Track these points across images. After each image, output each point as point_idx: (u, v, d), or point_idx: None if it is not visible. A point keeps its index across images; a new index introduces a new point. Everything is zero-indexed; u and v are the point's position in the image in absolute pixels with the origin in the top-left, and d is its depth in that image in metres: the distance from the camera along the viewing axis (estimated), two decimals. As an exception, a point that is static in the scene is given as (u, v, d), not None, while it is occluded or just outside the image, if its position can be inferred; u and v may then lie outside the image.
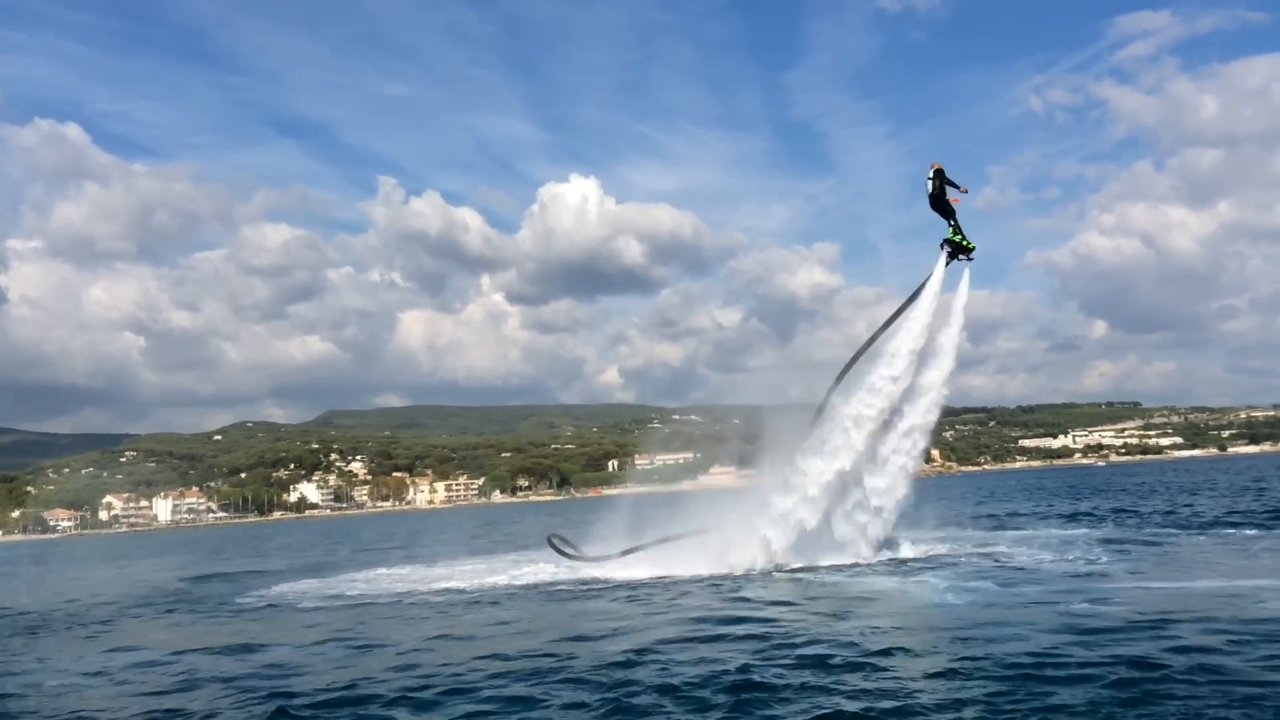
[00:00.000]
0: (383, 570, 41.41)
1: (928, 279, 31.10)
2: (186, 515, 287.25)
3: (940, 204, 30.32)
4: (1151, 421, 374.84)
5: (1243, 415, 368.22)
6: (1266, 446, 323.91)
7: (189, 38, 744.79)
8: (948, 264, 30.99)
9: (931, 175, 30.42)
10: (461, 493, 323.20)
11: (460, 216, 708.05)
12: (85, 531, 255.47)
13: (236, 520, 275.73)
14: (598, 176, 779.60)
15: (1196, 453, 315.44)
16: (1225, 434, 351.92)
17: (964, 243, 30.56)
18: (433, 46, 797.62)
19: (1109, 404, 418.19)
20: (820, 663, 15.69)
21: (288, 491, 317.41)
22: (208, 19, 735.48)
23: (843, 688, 14.01)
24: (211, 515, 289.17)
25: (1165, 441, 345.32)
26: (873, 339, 31.66)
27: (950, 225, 30.48)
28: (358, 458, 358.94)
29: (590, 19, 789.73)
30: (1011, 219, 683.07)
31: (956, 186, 30.49)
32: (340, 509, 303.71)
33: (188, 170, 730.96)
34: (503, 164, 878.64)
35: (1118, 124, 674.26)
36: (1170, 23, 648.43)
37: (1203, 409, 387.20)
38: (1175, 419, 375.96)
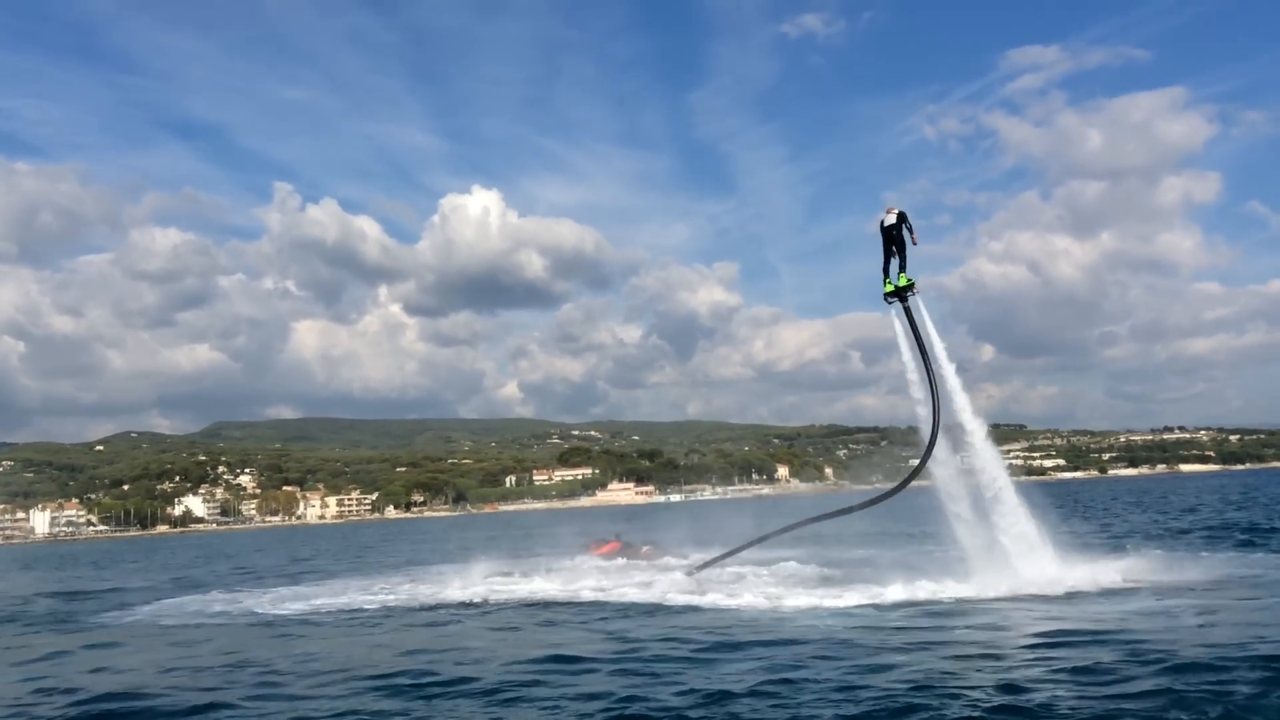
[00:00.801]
0: (259, 590, 40.05)
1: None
2: (65, 528, 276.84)
3: (893, 237, 28.92)
4: (1036, 443, 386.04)
5: (1122, 439, 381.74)
6: (1144, 469, 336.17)
7: (79, 34, 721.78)
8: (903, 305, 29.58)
9: (896, 211, 29.03)
10: (354, 508, 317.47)
11: (358, 225, 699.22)
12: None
13: (118, 534, 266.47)
14: (500, 189, 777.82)
15: (1078, 474, 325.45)
16: (1106, 456, 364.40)
17: (903, 283, 29.27)
18: (333, 52, 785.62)
19: (995, 425, 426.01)
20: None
21: (172, 505, 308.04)
22: (99, 16, 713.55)
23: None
24: (91, 528, 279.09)
25: (1049, 463, 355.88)
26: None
27: (897, 263, 29.21)
28: (246, 470, 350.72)
29: (495, 32, 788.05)
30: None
31: (911, 231, 29.16)
32: (227, 524, 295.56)
33: (74, 170, 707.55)
34: (403, 174, 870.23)
35: (1007, 154, 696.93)
36: (1059, 57, 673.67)
37: (1085, 432, 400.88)
38: (1059, 441, 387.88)
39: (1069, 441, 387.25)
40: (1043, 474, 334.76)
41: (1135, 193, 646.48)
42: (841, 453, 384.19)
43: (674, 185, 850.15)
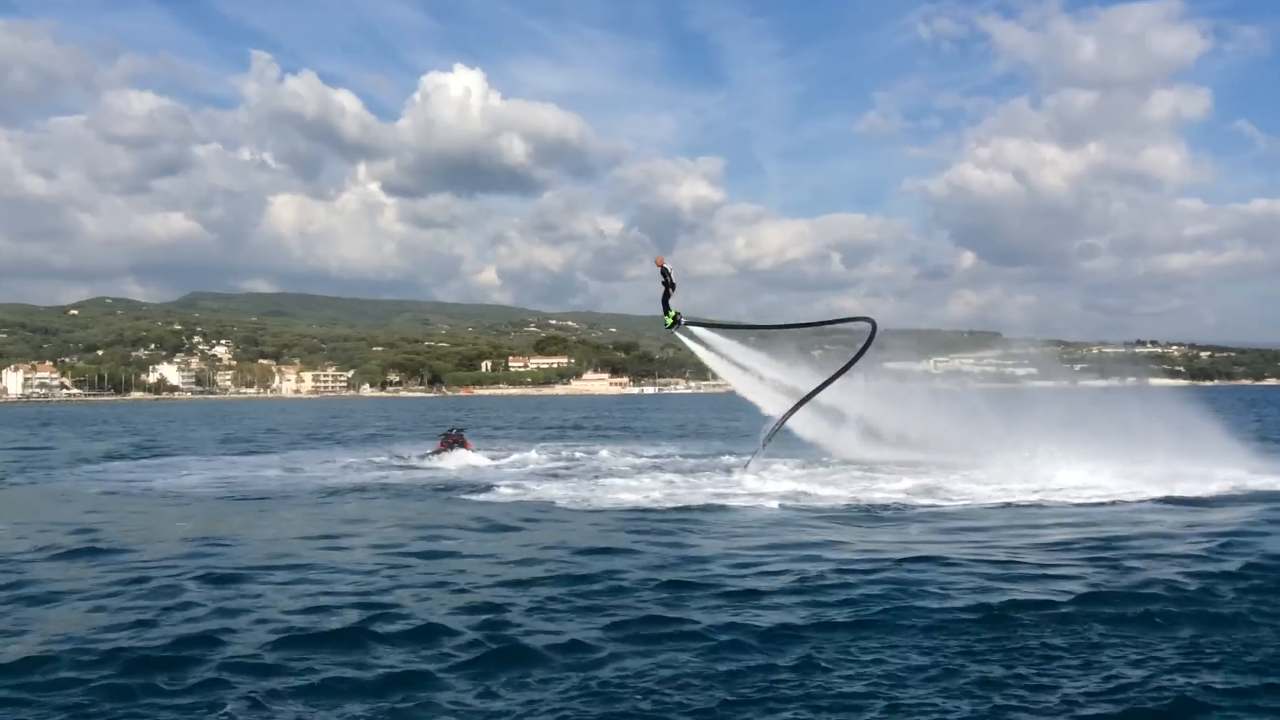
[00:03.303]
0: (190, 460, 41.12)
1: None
2: (38, 390, 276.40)
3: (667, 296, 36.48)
4: (1010, 352, 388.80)
5: (1095, 351, 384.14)
6: (1114, 381, 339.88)
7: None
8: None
9: (669, 269, 36.34)
10: (330, 384, 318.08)
11: (337, 100, 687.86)
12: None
13: (91, 398, 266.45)
14: (484, 69, 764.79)
15: (1049, 384, 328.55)
16: (1077, 368, 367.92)
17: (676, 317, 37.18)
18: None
19: (971, 332, 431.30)
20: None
21: (147, 372, 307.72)
22: None
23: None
24: (65, 391, 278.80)
25: (1021, 371, 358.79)
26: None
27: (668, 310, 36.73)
28: (222, 342, 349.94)
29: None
30: (892, 145, 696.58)
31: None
32: (202, 393, 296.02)
33: (47, 28, 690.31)
34: (385, 48, 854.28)
35: (1000, 59, 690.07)
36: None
37: (1059, 342, 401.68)
38: (1032, 350, 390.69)
39: (1043, 351, 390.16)
40: (1014, 382, 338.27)
41: (1125, 105, 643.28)
42: (816, 353, 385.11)
43: (662, 75, 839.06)
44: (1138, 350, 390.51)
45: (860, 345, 37.40)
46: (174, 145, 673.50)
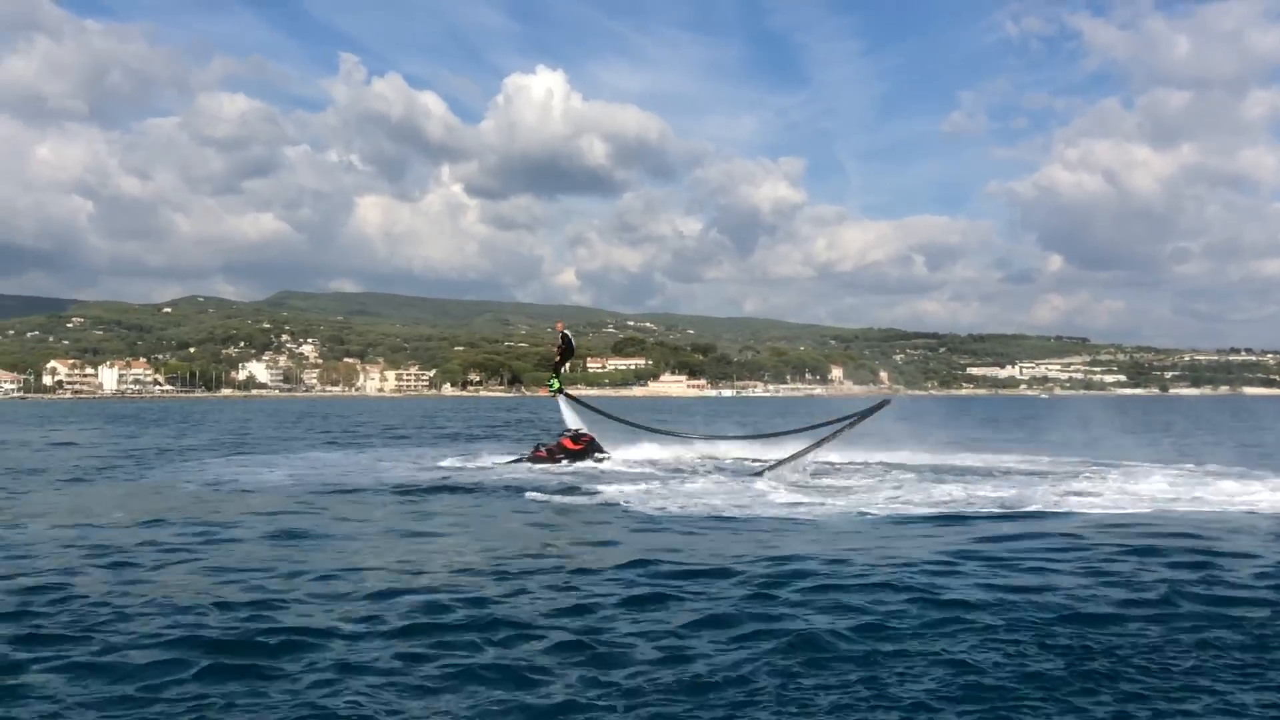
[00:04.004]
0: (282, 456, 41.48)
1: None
2: (133, 386, 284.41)
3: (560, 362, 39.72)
4: (1098, 358, 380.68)
5: (1187, 358, 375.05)
6: (1207, 389, 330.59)
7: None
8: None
9: (568, 334, 38.98)
10: (412, 383, 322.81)
11: (422, 102, 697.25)
12: (28, 395, 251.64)
13: (183, 394, 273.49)
14: (565, 71, 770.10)
15: (1139, 391, 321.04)
16: (1168, 375, 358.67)
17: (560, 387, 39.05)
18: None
19: (1058, 338, 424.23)
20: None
21: (237, 369, 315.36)
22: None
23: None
24: (158, 388, 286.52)
25: (1109, 379, 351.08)
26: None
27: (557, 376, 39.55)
28: (309, 341, 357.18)
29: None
30: (977, 146, 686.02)
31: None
32: (289, 391, 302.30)
33: (142, 31, 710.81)
34: (469, 50, 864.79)
35: (1090, 57, 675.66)
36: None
37: (1148, 349, 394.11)
38: (1121, 357, 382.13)
39: (1131, 357, 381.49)
40: (1103, 389, 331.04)
41: (1220, 104, 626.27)
42: (898, 357, 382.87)
43: (743, 76, 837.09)
44: (1231, 358, 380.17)
45: (869, 408, 36.07)
46: (264, 147, 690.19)
